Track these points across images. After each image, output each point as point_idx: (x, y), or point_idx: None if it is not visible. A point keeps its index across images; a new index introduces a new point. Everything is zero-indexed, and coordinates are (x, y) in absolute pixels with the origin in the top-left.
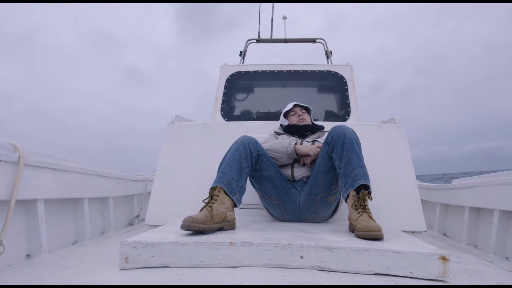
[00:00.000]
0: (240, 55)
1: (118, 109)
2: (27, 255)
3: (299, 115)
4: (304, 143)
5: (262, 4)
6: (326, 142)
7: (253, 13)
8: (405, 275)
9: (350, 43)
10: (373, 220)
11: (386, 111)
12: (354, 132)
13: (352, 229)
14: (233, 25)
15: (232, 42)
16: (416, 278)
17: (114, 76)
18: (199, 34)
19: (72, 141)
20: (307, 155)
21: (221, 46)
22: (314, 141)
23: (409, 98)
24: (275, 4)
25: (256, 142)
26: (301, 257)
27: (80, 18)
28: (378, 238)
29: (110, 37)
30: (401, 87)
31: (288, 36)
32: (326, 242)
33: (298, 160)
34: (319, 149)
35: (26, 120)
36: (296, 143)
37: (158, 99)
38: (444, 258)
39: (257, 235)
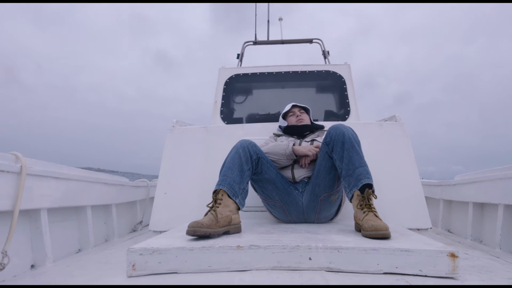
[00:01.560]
0: (238, 58)
1: (140, 91)
2: (32, 265)
3: (297, 116)
4: (303, 143)
5: (270, 5)
6: (325, 142)
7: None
8: (415, 274)
9: (379, 50)
10: (380, 219)
11: (406, 122)
12: (353, 131)
13: (359, 228)
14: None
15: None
16: (425, 276)
17: (143, 59)
18: (233, 26)
19: (89, 119)
20: (306, 156)
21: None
22: (313, 140)
23: (432, 113)
24: (282, 2)
25: (255, 145)
26: (310, 258)
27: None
28: (385, 237)
29: (145, 19)
30: (426, 101)
31: (286, 37)
32: (334, 243)
33: (298, 161)
34: (317, 149)
35: (53, 91)
36: (294, 144)
37: (179, 85)
38: (453, 255)
39: (264, 237)
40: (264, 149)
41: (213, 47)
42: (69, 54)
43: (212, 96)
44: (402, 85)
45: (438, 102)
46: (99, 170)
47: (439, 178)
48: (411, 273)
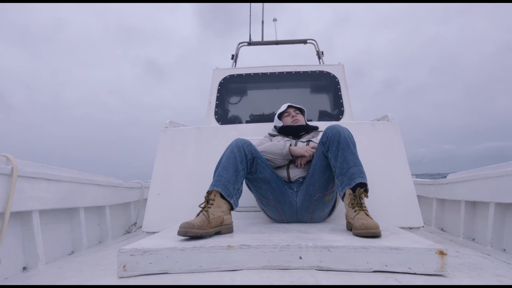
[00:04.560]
0: (232, 59)
1: (126, 101)
2: (24, 267)
3: (293, 116)
4: (299, 143)
5: (261, 5)
6: (321, 142)
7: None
8: (404, 271)
9: (358, 39)
10: (370, 217)
11: (395, 107)
12: (349, 131)
13: (350, 227)
14: (254, 19)
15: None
16: (415, 274)
17: (132, 69)
18: (222, 29)
19: (78, 132)
20: (303, 156)
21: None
22: (308, 141)
23: (419, 96)
24: (275, 3)
25: (250, 144)
26: (300, 257)
27: (104, 14)
28: (375, 235)
29: (132, 30)
30: (413, 85)
31: (280, 37)
32: (324, 242)
33: (294, 161)
34: (314, 150)
35: (43, 111)
36: (290, 144)
37: (169, 92)
38: (442, 253)
39: (255, 237)
40: (260, 148)
41: (202, 52)
42: (57, 73)
43: (206, 97)
44: (388, 72)
45: (425, 85)
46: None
47: (431, 158)
48: (400, 271)
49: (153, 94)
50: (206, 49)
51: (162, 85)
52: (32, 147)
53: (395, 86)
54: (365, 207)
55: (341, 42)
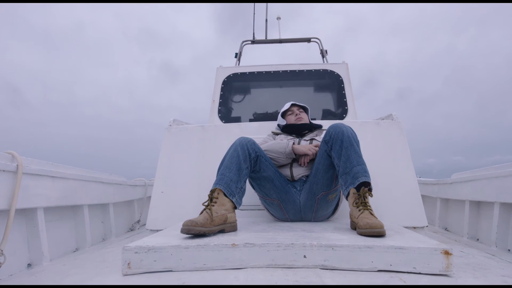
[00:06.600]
0: (236, 57)
1: (135, 102)
2: (29, 264)
3: (296, 114)
4: (302, 142)
5: (268, 4)
6: (325, 140)
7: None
8: (409, 271)
9: (369, 46)
10: (375, 217)
11: (405, 116)
12: (352, 130)
13: (354, 226)
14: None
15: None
16: (419, 273)
17: (149, 71)
18: (238, 34)
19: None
20: (306, 155)
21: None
22: (312, 139)
23: (432, 106)
24: (290, 4)
25: (254, 143)
26: (304, 256)
27: (126, 16)
28: (380, 234)
29: (152, 34)
30: (426, 95)
31: (284, 36)
32: (328, 241)
33: (297, 160)
34: (317, 148)
35: (56, 108)
36: (294, 143)
37: (178, 94)
38: (447, 253)
39: (259, 236)
40: (263, 146)
41: (217, 56)
42: (74, 72)
43: (210, 96)
44: (401, 81)
45: (438, 95)
46: None
47: (440, 170)
48: (405, 271)
49: (163, 95)
50: (222, 53)
51: (173, 87)
52: (44, 145)
53: (408, 95)
54: (369, 206)
55: (352, 49)
